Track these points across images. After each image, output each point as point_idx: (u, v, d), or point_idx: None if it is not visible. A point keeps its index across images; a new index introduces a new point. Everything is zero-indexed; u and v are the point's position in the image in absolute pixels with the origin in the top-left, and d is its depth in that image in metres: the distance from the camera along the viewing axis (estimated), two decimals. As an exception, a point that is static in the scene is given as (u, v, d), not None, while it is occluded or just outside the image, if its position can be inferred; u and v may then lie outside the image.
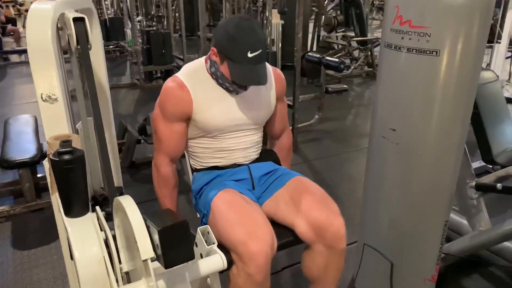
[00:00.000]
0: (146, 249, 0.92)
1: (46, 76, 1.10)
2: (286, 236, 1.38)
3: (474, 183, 1.94)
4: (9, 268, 2.18)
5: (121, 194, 1.72)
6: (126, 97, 5.64)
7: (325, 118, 4.44)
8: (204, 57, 1.47)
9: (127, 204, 1.00)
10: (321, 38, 7.81)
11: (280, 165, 1.62)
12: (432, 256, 1.67)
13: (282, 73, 1.59)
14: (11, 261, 2.25)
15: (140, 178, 3.19)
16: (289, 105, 3.99)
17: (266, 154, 1.60)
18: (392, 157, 1.65)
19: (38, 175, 2.85)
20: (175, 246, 0.92)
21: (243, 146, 1.51)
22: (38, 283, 2.08)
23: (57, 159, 1.02)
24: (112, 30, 7.45)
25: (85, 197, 1.09)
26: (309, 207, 1.34)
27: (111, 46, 7.18)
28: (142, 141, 3.19)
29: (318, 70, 4.23)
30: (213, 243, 1.15)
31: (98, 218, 1.13)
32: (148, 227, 0.96)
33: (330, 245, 1.33)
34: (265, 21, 3.74)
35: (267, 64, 1.46)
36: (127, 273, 1.25)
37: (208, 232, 1.17)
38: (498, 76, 2.19)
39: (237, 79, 1.33)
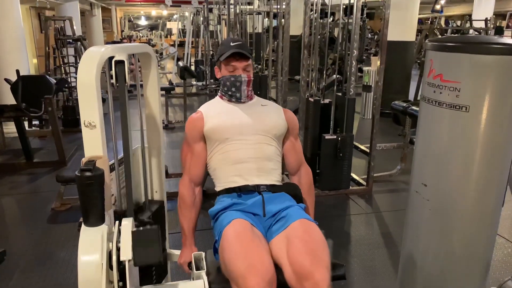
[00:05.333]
0: (126, 251, 1.05)
1: (88, 106, 1.33)
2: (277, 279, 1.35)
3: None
4: (76, 270, 2.49)
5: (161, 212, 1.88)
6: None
7: (408, 170, 4.20)
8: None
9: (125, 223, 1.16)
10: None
11: (301, 200, 1.63)
12: (460, 330, 1.50)
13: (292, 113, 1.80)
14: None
15: (209, 206, 3.38)
16: (365, 152, 3.93)
17: (288, 186, 1.64)
18: (423, 213, 1.57)
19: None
20: (144, 247, 1.08)
21: (256, 156, 1.59)
22: None
23: (79, 174, 1.22)
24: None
25: (100, 210, 1.26)
26: (297, 253, 1.31)
27: (214, 86, 7.81)
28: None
29: (414, 119, 4.08)
30: (203, 269, 1.22)
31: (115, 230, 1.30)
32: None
33: None
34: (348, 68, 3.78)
35: (277, 106, 1.81)
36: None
37: (202, 259, 1.25)
38: None
39: (223, 58, 1.65)
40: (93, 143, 1.36)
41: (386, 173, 4.15)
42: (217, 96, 1.78)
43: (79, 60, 6.04)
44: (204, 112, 1.69)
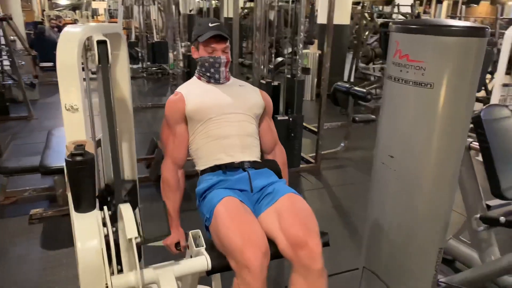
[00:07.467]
0: (131, 230, 1.06)
1: (70, 89, 1.27)
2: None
3: (479, 216, 1.95)
4: (35, 265, 2.38)
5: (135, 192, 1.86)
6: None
7: (352, 147, 4.48)
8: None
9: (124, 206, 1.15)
10: (358, 69, 7.89)
11: (281, 176, 1.71)
12: (426, 282, 1.69)
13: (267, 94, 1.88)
14: (38, 259, 2.45)
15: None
16: (313, 132, 4.10)
17: (269, 163, 1.71)
18: (390, 183, 1.71)
19: (72, 183, 3.08)
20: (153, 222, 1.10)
21: (239, 133, 1.64)
22: (60, 281, 2.25)
23: (70, 159, 1.18)
24: (158, 53, 7.92)
25: (92, 195, 1.23)
26: (290, 225, 1.40)
27: (154, 68, 7.59)
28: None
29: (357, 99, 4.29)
30: (202, 246, 1.26)
31: (104, 216, 1.28)
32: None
33: (307, 266, 1.36)
34: (295, 49, 3.91)
35: (253, 86, 1.85)
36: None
37: (199, 236, 1.28)
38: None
39: (203, 39, 1.66)
40: (76, 127, 1.31)
41: (331, 150, 4.38)
42: (194, 77, 1.77)
43: (5, 41, 5.51)
44: (184, 94, 1.68)
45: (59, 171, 2.69)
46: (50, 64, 7.19)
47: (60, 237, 2.66)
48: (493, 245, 2.12)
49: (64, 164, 2.75)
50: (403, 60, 1.55)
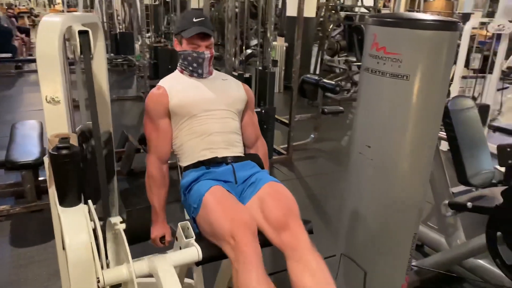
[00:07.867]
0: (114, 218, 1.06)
1: (51, 80, 1.23)
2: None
3: (447, 202, 2.05)
4: (5, 264, 2.30)
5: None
6: (131, 109, 5.82)
7: (321, 138, 4.57)
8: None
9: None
10: (323, 61, 8.00)
11: (263, 168, 1.73)
12: (402, 266, 1.77)
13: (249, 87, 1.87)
14: (8, 258, 2.36)
15: (138, 185, 3.32)
16: (285, 123, 4.15)
17: (251, 156, 1.73)
18: (367, 172, 1.77)
19: (40, 178, 2.98)
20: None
21: (223, 130, 1.65)
22: (33, 279, 2.19)
23: (56, 153, 1.15)
24: (122, 44, 7.71)
25: (78, 189, 1.21)
26: (271, 209, 1.43)
27: (120, 60, 7.39)
28: (141, 150, 3.33)
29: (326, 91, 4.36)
30: (192, 237, 1.26)
31: (89, 210, 1.26)
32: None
33: (293, 247, 1.37)
34: (266, 42, 3.93)
35: (235, 80, 1.83)
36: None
37: (188, 228, 1.29)
38: (476, 104, 2.32)
39: (187, 35, 1.62)
40: (57, 120, 1.28)
41: (302, 142, 4.45)
42: (176, 70, 1.75)
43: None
44: (167, 88, 1.65)
45: (27, 166, 2.60)
46: (8, 55, 6.85)
47: (30, 234, 2.58)
48: (459, 229, 2.25)
49: (30, 159, 2.69)
50: (380, 53, 1.60)
